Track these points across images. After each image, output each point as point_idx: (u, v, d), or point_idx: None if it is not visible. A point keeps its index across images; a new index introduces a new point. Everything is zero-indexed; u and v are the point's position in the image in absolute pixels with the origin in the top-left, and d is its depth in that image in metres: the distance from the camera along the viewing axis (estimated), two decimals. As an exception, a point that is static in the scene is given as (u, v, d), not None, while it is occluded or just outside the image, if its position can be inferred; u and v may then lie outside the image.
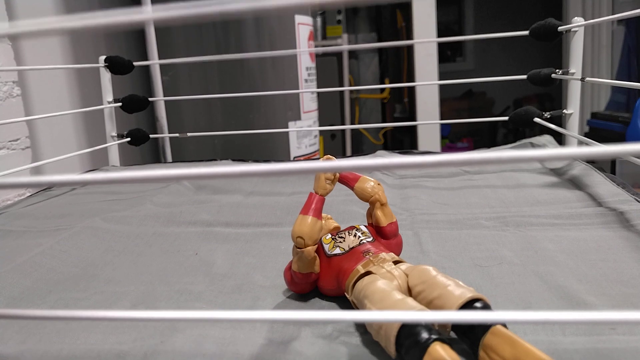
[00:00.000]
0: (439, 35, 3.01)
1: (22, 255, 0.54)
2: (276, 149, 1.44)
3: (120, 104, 0.96)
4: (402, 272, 0.36)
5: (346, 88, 1.04)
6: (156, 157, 1.61)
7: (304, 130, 1.48)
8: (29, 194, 1.05)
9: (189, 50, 1.40)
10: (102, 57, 0.96)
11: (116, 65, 0.93)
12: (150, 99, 0.97)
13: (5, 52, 1.06)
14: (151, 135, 1.01)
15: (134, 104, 0.96)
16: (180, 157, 1.45)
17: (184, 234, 0.60)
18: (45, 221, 0.68)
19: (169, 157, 1.48)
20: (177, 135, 0.99)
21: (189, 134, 0.99)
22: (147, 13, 0.22)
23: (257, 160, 1.00)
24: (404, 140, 3.11)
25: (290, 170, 0.21)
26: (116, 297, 0.44)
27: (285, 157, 1.43)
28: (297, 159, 1.47)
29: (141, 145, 1.00)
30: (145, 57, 1.43)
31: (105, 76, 0.97)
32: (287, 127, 1.40)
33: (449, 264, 0.47)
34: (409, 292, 0.35)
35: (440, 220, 0.59)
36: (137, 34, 1.61)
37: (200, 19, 0.22)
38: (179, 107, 1.41)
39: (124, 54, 1.07)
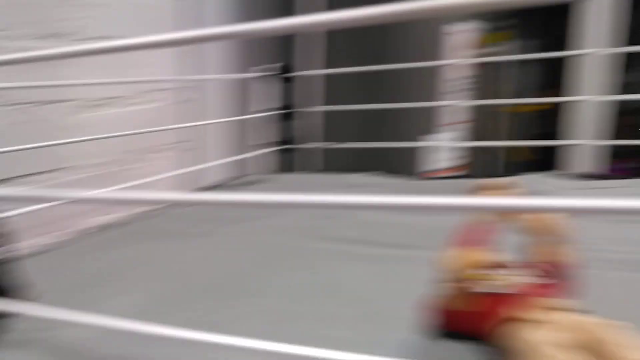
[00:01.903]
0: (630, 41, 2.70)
1: (174, 259, 0.57)
2: (411, 161, 1.39)
3: (279, 111, 1.00)
4: (576, 323, 0.30)
5: (497, 101, 0.96)
6: (286, 164, 1.62)
7: (444, 143, 1.42)
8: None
9: (326, 59, 1.40)
10: (269, 66, 1.01)
11: (283, 74, 0.98)
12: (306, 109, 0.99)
13: (173, 56, 1.16)
14: (300, 145, 1.04)
15: (292, 113, 0.99)
16: (309, 167, 1.46)
17: (323, 250, 0.59)
18: (196, 225, 0.71)
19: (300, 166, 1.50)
20: (329, 144, 1.01)
21: (336, 145, 0.99)
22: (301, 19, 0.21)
23: (391, 173, 0.97)
24: (555, 154, 2.83)
25: (442, 206, 0.18)
26: (260, 312, 0.44)
27: (420, 170, 1.37)
28: (433, 172, 1.41)
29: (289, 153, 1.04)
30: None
31: (268, 83, 1.01)
32: (424, 139, 1.35)
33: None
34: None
35: (619, 260, 0.51)
36: (280, 40, 1.66)
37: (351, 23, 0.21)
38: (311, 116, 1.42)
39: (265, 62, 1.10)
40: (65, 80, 0.85)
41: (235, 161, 1.34)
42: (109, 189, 0.76)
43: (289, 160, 1.56)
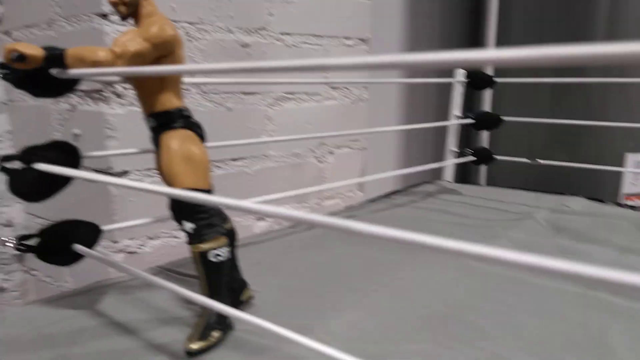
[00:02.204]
0: None
1: (380, 276, 0.52)
2: (604, 182, 1.20)
3: (472, 120, 0.90)
4: None
5: None
6: (463, 175, 1.52)
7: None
8: (366, 199, 1.10)
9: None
10: (460, 71, 0.92)
11: (476, 80, 0.88)
12: (505, 118, 0.89)
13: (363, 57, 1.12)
14: (497, 157, 0.93)
15: (486, 122, 0.89)
16: (492, 180, 1.34)
17: (560, 291, 0.49)
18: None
19: (482, 178, 1.39)
20: (526, 160, 0.89)
21: (540, 161, 0.88)
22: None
23: (580, 193, 0.82)
24: None
25: None
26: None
27: (615, 192, 1.18)
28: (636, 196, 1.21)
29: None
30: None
31: (458, 90, 0.93)
32: (623, 158, 1.16)
33: None
34: None
35: None
36: (470, 43, 1.56)
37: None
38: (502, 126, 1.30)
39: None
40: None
41: (407, 165, 1.28)
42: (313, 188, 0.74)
43: (465, 170, 1.46)
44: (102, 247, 0.74)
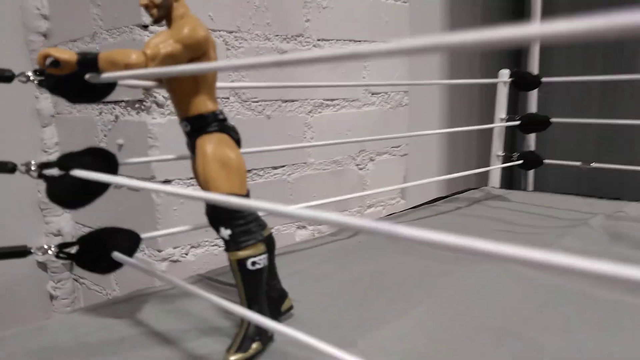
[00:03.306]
0: None
1: (429, 286, 0.49)
2: None
3: (517, 122, 0.86)
4: None
5: None
6: (509, 181, 1.47)
7: None
8: (407, 206, 1.07)
9: (570, 65, 1.22)
10: (504, 71, 0.89)
11: (522, 81, 0.84)
12: (552, 119, 0.85)
13: (402, 61, 1.10)
14: (546, 161, 0.89)
15: (533, 124, 0.85)
16: (539, 185, 1.28)
17: (622, 304, 0.46)
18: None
19: (529, 184, 1.33)
20: (578, 164, 0.85)
21: (593, 164, 0.83)
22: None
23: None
24: None
25: None
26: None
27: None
28: None
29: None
30: (516, 67, 1.32)
31: (502, 91, 0.89)
32: None
33: None
34: None
35: None
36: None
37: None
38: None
39: (497, 64, 0.98)
40: (298, 81, 0.84)
41: (450, 172, 1.24)
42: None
43: (511, 176, 1.41)
44: (147, 256, 0.75)
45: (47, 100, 0.89)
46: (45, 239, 0.92)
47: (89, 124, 0.81)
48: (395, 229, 0.18)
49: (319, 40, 0.88)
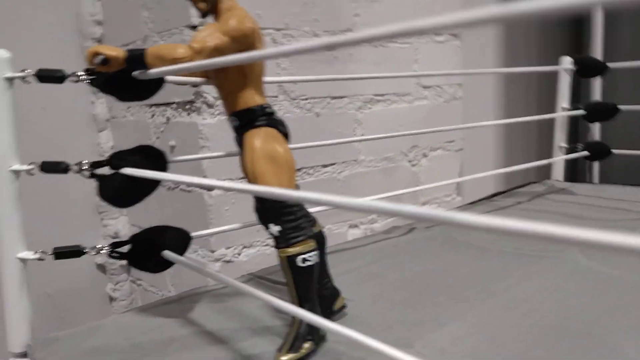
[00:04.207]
0: None
1: (489, 286, 0.46)
2: None
3: (583, 112, 0.81)
4: None
5: None
6: (572, 173, 1.38)
7: None
8: (464, 201, 1.03)
9: (634, 50, 1.14)
10: (566, 58, 0.84)
11: (585, 67, 0.79)
12: (620, 107, 0.79)
13: (455, 53, 1.06)
14: (614, 151, 0.83)
15: (599, 113, 0.80)
16: (605, 177, 1.20)
17: None
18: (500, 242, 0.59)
19: (595, 176, 1.25)
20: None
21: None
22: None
23: None
24: None
25: None
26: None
27: None
28: None
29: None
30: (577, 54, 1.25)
31: (564, 79, 0.84)
32: None
33: None
34: None
35: None
36: (572, 26, 1.43)
37: None
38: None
39: (558, 51, 0.92)
40: (350, 75, 0.82)
41: (509, 166, 1.19)
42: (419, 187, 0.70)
43: (575, 168, 1.33)
44: (200, 257, 0.75)
45: (102, 105, 0.91)
46: (102, 241, 0.95)
47: (142, 126, 0.83)
48: (480, 220, 0.16)
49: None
